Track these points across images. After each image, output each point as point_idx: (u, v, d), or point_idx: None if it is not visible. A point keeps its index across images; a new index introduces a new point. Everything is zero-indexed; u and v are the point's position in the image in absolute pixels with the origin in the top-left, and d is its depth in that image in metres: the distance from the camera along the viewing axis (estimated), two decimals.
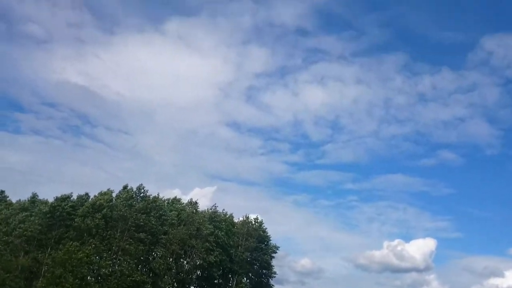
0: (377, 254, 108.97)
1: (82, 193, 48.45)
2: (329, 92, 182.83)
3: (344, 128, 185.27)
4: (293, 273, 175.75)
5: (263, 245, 54.82)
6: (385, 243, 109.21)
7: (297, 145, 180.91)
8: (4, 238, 44.38)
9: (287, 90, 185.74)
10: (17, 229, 44.80)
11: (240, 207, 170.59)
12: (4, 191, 57.58)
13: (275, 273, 56.30)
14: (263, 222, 56.57)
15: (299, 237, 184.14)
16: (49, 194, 52.99)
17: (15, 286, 40.35)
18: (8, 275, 40.20)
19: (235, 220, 55.67)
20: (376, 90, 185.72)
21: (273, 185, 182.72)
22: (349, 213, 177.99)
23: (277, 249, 56.18)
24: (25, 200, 52.27)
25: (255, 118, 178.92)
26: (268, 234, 56.21)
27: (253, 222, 55.52)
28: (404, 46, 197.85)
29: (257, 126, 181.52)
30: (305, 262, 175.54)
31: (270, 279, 56.06)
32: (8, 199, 55.34)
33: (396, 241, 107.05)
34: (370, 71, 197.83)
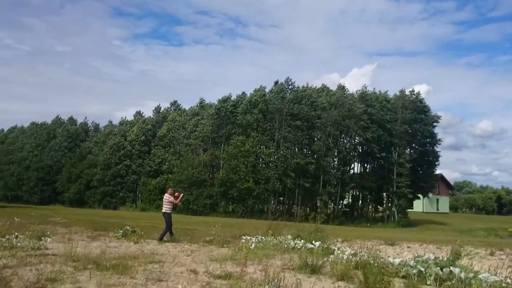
0: None
1: (245, 91, 53.14)
2: None
3: None
4: (471, 138, 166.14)
5: (423, 115, 53.56)
6: None
7: (464, 0, 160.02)
8: (185, 141, 52.27)
9: None
10: (194, 132, 52.05)
11: (405, 80, 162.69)
12: (176, 100, 66.16)
13: (439, 140, 55.58)
14: (420, 93, 55.10)
15: (475, 100, 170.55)
16: (217, 96, 57.66)
17: (202, 177, 48.01)
18: (194, 170, 47.92)
19: (391, 95, 55.01)
20: None
21: (440, 50, 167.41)
22: None
23: (439, 118, 54.76)
24: (196, 106, 59.44)
25: None
26: (426, 104, 54.63)
27: (409, 95, 54.22)
28: None
29: None
30: (484, 125, 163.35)
31: (436, 147, 55.63)
32: (181, 106, 63.56)
33: None
34: None
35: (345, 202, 53.91)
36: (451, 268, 8.15)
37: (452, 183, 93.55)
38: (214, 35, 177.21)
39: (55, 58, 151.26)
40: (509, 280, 7.30)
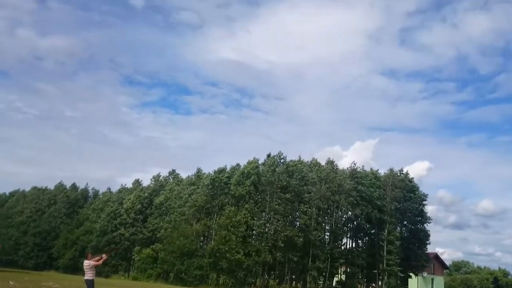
0: None
1: (242, 162, 54.97)
2: (495, 17, 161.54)
3: None
4: (473, 217, 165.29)
5: (412, 194, 55.27)
6: None
7: (464, 82, 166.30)
8: (179, 210, 53.55)
9: (445, 24, 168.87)
10: (189, 201, 53.48)
11: (407, 156, 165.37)
12: (175, 169, 67.97)
13: (429, 218, 57.41)
14: (409, 172, 57.42)
15: (476, 179, 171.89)
16: (218, 165, 57.95)
17: (193, 247, 48.71)
18: (186, 240, 48.73)
19: (381, 173, 57.13)
20: None
21: (441, 129, 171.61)
22: None
23: (426, 197, 56.72)
24: (193, 175, 61.26)
25: (412, 61, 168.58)
26: (415, 184, 56.70)
27: (398, 174, 56.30)
28: None
29: (415, 70, 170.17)
30: (485, 204, 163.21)
31: (426, 225, 57.05)
32: (179, 176, 65.35)
33: None
34: None
35: (337, 279, 53.96)
36: None
37: (451, 262, 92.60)
38: (220, 105, 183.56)
39: (63, 122, 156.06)
40: None
